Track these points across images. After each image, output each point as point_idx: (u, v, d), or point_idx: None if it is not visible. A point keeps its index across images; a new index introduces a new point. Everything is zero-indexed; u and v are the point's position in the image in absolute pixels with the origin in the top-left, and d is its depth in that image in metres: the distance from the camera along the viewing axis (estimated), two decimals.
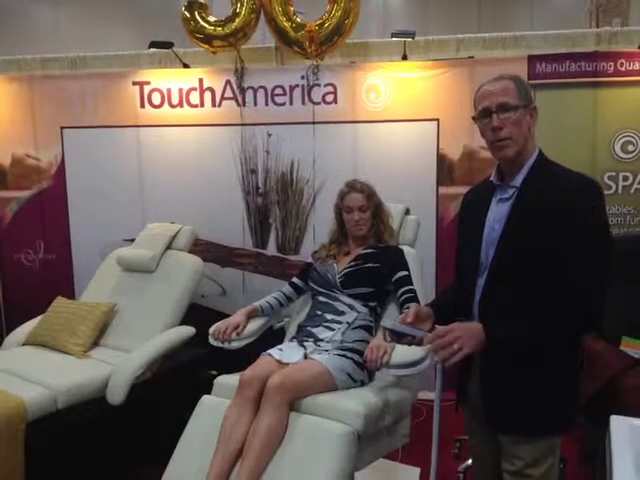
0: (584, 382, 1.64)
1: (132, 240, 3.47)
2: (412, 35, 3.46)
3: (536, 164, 1.53)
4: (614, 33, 3.50)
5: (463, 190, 3.62)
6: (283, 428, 1.93)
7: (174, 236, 3.30)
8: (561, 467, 2.36)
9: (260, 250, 3.81)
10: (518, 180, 1.53)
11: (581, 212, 1.43)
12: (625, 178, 3.40)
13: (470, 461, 2.44)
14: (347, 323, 2.28)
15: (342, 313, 2.32)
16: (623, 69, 3.30)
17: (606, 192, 3.08)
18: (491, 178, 1.63)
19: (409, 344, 1.56)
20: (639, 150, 3.36)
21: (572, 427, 1.61)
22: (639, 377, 2.34)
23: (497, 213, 1.57)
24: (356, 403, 1.96)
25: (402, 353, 1.96)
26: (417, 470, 2.69)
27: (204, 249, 3.73)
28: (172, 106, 3.76)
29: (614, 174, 3.39)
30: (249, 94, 3.66)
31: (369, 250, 2.44)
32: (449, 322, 1.58)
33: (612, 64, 3.31)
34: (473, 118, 1.58)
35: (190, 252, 3.33)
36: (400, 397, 2.16)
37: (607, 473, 1.75)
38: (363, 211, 2.43)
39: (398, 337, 1.56)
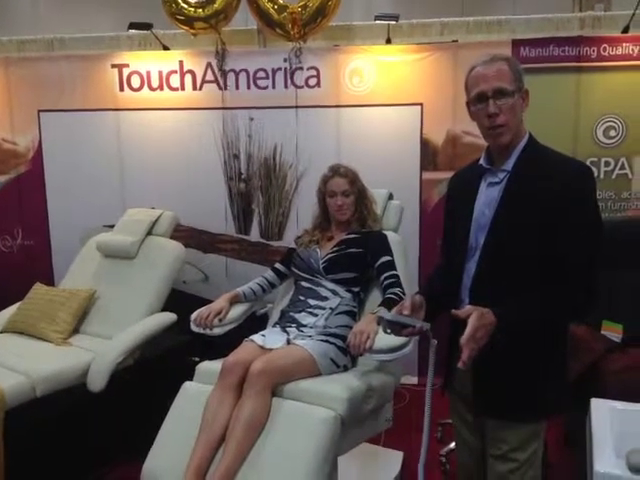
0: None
1: (112, 226, 3.42)
2: (396, 18, 3.44)
3: (527, 148, 1.52)
4: (598, 18, 3.50)
5: (446, 175, 3.61)
6: (266, 414, 1.92)
7: (155, 222, 3.25)
8: (542, 451, 2.38)
9: (243, 236, 3.78)
10: (509, 164, 1.52)
11: (575, 196, 1.42)
12: (607, 163, 3.41)
13: (452, 445, 2.46)
14: (330, 309, 2.27)
15: (325, 299, 2.30)
16: (606, 54, 3.31)
17: None
18: (480, 162, 1.61)
19: (408, 335, 1.53)
20: (621, 135, 3.37)
21: (558, 410, 1.61)
22: (620, 361, 2.37)
23: (487, 197, 1.55)
24: (339, 388, 1.96)
25: (385, 338, 1.95)
26: (400, 454, 2.70)
27: (186, 235, 3.70)
28: (152, 89, 3.69)
29: (596, 159, 3.40)
30: (231, 77, 3.61)
31: (352, 235, 2.42)
32: (438, 309, 1.57)
33: (595, 49, 3.31)
34: (467, 103, 1.55)
35: (172, 238, 3.29)
36: (383, 382, 2.16)
37: (588, 456, 1.77)
38: (346, 196, 2.41)
39: (397, 328, 1.51)
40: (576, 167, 1.47)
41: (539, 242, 1.44)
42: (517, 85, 1.48)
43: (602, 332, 2.54)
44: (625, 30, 3.35)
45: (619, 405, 1.88)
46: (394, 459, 2.67)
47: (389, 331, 1.51)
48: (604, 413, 1.84)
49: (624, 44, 3.29)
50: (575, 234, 1.42)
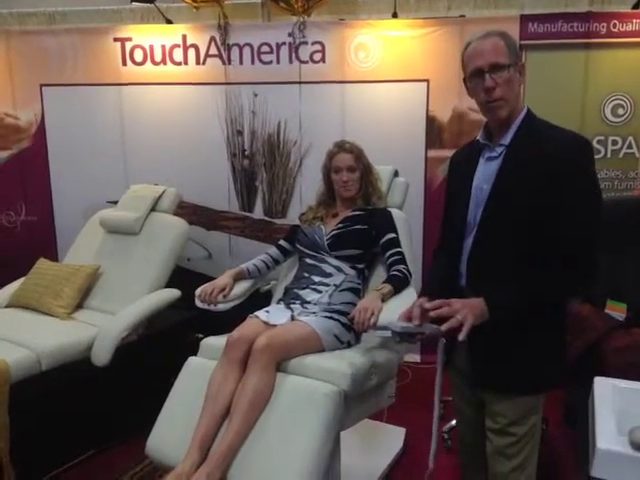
0: (569, 345, 1.64)
1: (115, 202, 3.41)
2: None
3: (525, 122, 1.51)
4: None
5: (452, 153, 3.59)
6: (270, 388, 1.93)
7: (158, 198, 3.24)
8: (543, 428, 2.40)
9: (246, 213, 3.77)
10: (507, 138, 1.51)
11: (568, 166, 1.40)
12: (614, 142, 3.38)
13: (454, 421, 2.47)
14: (334, 285, 2.27)
15: (329, 275, 2.30)
16: (616, 30, 3.25)
17: (595, 156, 3.07)
18: (478, 137, 1.60)
19: (419, 341, 1.57)
20: (629, 114, 3.33)
21: (556, 384, 1.61)
22: (623, 339, 2.37)
23: (485, 172, 1.55)
24: (343, 363, 1.96)
25: (389, 315, 1.96)
26: (402, 430, 2.73)
27: (190, 212, 3.69)
28: (155, 63, 3.66)
29: (603, 138, 3.37)
30: (234, 52, 3.57)
31: (357, 212, 2.41)
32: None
33: (605, 25, 3.26)
34: (464, 80, 1.55)
35: (176, 215, 3.28)
36: (386, 359, 2.16)
37: (590, 434, 1.78)
38: (352, 171, 2.39)
39: (407, 337, 1.53)
40: (572, 141, 1.45)
41: (533, 217, 1.43)
42: (513, 59, 1.48)
43: (606, 311, 2.54)
44: (635, 6, 3.29)
45: (622, 383, 1.88)
46: (396, 435, 2.70)
47: (398, 339, 1.53)
48: (607, 391, 1.84)
49: (634, 20, 3.24)
50: (571, 208, 1.40)
